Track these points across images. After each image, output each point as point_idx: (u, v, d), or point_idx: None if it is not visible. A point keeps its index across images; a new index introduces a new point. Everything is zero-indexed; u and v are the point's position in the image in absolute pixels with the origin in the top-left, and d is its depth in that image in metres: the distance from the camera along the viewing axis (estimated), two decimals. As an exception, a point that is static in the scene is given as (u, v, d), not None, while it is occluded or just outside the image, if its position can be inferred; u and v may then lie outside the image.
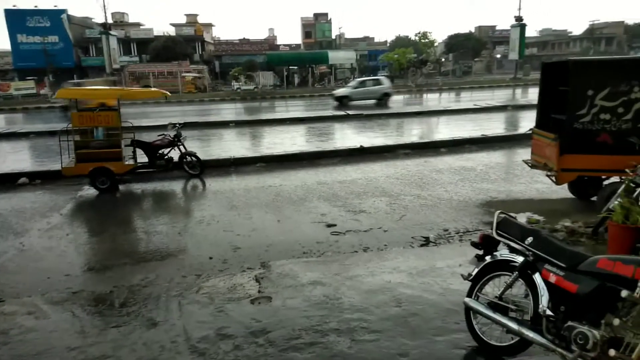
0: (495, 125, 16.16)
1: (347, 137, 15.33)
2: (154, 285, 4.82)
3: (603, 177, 6.86)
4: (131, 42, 58.16)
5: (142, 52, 56.45)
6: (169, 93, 11.05)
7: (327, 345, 3.54)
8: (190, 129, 15.88)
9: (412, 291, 4.42)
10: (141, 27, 63.46)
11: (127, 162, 9.42)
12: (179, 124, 10.69)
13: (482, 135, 13.68)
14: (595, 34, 74.87)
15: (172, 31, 60.10)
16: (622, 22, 76.54)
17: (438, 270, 4.88)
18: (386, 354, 3.42)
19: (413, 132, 16.44)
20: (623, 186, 5.57)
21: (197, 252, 5.84)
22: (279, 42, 68.49)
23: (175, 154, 10.17)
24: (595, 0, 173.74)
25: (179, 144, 10.18)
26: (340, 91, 27.98)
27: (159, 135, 10.30)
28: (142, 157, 9.95)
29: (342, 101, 26.01)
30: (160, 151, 9.99)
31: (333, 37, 66.85)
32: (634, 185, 5.37)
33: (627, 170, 5.53)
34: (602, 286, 2.61)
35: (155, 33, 58.30)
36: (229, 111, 25.21)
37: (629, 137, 5.98)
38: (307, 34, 66.92)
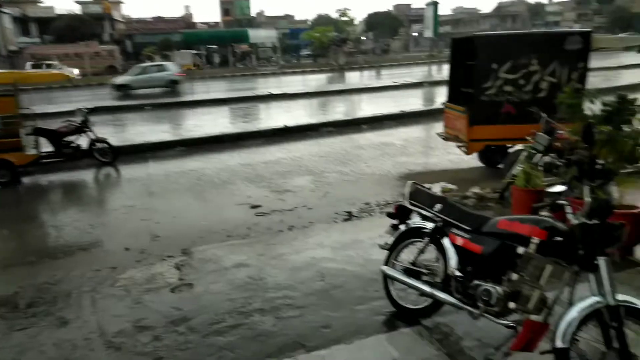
0: (413, 101, 16.75)
1: (271, 117, 15.18)
2: (64, 282, 4.49)
3: (508, 145, 7.37)
4: (30, 22, 52.78)
5: (44, 33, 51.48)
6: (74, 75, 10.20)
7: (251, 326, 3.52)
8: (102, 114, 14.89)
9: (335, 265, 4.50)
10: (39, 4, 57.71)
11: (29, 153, 8.62)
12: (87, 108, 9.92)
13: (401, 111, 14.14)
14: (502, 12, 79.83)
15: (77, 9, 55.35)
16: (524, 0, 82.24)
17: (360, 242, 5.01)
18: (310, 327, 3.47)
19: (336, 111, 16.61)
20: (525, 153, 6.03)
21: (111, 244, 5.52)
22: (196, 20, 65.60)
23: (84, 141, 9.47)
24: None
25: (87, 130, 9.47)
26: (121, 79, 24.79)
27: (63, 122, 9.51)
28: (47, 147, 9.13)
29: (122, 90, 23.54)
30: (66, 139, 9.24)
31: (253, 15, 65.28)
32: (534, 152, 5.83)
33: (528, 138, 5.98)
34: (503, 245, 2.80)
35: (58, 11, 53.31)
36: (143, 93, 23.84)
37: (529, 107, 6.43)
38: (225, 12, 64.64)
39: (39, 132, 9.03)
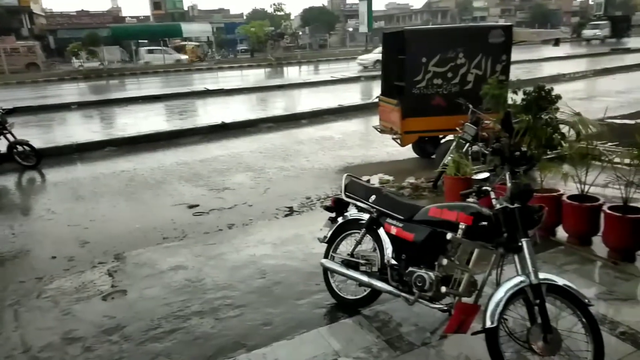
0: (351, 95, 16.99)
1: (208, 113, 14.80)
2: (-18, 298, 4.14)
3: (440, 136, 7.66)
4: None
5: (-50, 26, 46.84)
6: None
7: (189, 330, 3.41)
8: (23, 115, 13.86)
9: (276, 261, 4.47)
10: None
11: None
12: (4, 109, 9.16)
13: (339, 105, 14.29)
14: (432, 7, 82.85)
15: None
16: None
17: (301, 237, 5.01)
18: (250, 326, 3.42)
19: (275, 106, 16.48)
20: (454, 143, 6.30)
21: (37, 253, 5.14)
22: (124, 14, 62.53)
23: (2, 145, 8.73)
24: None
25: (5, 132, 8.74)
26: None
27: (-23, 124, 8.73)
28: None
29: None
30: (-20, 142, 8.51)
31: (185, 8, 63.13)
32: (463, 142, 6.11)
33: (457, 128, 6.25)
34: (434, 232, 2.91)
35: (-34, 4, 48.73)
36: (70, 92, 22.39)
37: (457, 99, 6.71)
38: (156, 5, 62.01)
39: (-53, 135, 8.24)
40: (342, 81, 22.13)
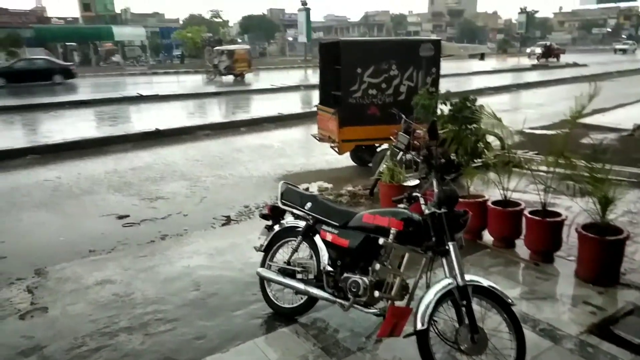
0: (290, 104, 17.04)
1: (141, 120, 14.22)
2: None
3: (376, 144, 7.87)
4: None
5: None
6: None
7: (116, 347, 3.22)
8: None
9: (211, 272, 4.36)
10: None
11: None
12: None
13: (279, 113, 14.28)
14: (369, 21, 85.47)
15: None
16: (388, 11, 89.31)
17: (238, 246, 4.92)
18: (183, 340, 3.29)
19: (213, 113, 16.18)
20: (389, 151, 6.50)
21: (-58, 271, 4.66)
22: (50, 14, 58.79)
23: None
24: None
25: None
26: None
27: None
28: None
29: None
30: None
31: (117, 11, 60.50)
32: (397, 150, 6.31)
33: (391, 137, 6.45)
34: (367, 238, 2.96)
35: None
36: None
37: (391, 109, 6.93)
38: (85, 7, 58.82)
39: None
40: (282, 89, 22.16)
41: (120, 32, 42.81)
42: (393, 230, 2.76)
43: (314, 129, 9.09)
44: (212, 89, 22.89)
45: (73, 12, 63.43)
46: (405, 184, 3.08)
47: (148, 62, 41.52)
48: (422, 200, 2.80)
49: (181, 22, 60.98)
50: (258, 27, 61.55)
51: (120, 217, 6.05)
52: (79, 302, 3.86)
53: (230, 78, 27.42)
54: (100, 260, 4.74)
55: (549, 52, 41.74)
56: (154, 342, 3.27)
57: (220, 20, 47.65)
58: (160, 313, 3.65)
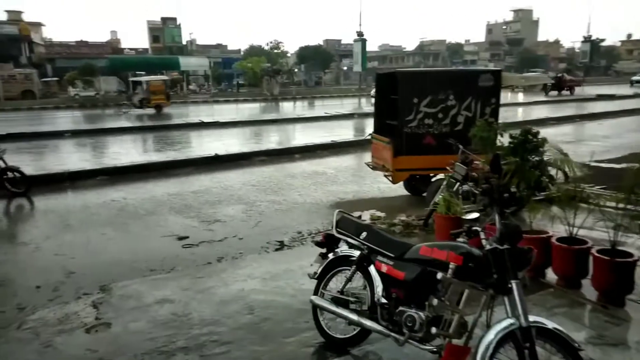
0: (344, 132, 17.23)
1: (202, 145, 14.87)
2: (-40, 328, 4.02)
3: (431, 174, 7.75)
4: None
5: (-51, 52, 47.26)
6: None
7: (173, 366, 3.33)
8: (16, 141, 13.84)
9: (265, 296, 4.42)
10: (-55, 22, 53.17)
11: None
12: (-3, 135, 9.17)
13: (332, 141, 14.46)
14: (424, 50, 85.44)
15: (-11, 29, 51.57)
16: (444, 40, 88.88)
17: (291, 272, 4.96)
18: (236, 364, 3.34)
19: (269, 140, 16.65)
20: (445, 182, 6.38)
21: (20, 282, 5.03)
22: (123, 45, 63.49)
23: (-8, 171, 8.68)
24: (424, 20, 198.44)
25: (-4, 158, 8.71)
26: None
27: (-31, 149, 8.70)
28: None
29: None
30: (-29, 168, 8.45)
31: (184, 42, 64.37)
32: (453, 181, 6.18)
33: (447, 168, 6.34)
34: (424, 271, 2.90)
35: (-34, 30, 49.42)
36: (64, 120, 22.49)
37: (447, 139, 6.85)
38: (155, 38, 63.25)
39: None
40: (336, 117, 22.48)
41: (186, 62, 45.40)
42: (452, 265, 2.69)
43: (367, 157, 9.13)
44: (269, 116, 23.62)
45: (144, 43, 68.10)
46: (464, 216, 3.00)
47: (210, 91, 43.55)
48: (482, 235, 2.72)
49: (242, 52, 63.79)
50: (314, 57, 63.17)
51: (180, 238, 6.30)
52: (139, 319, 4.03)
53: (290, 105, 28.13)
54: (160, 279, 4.94)
55: (561, 85, 36.54)
56: (208, 364, 3.35)
57: (279, 51, 49.37)
58: (216, 335, 3.73)
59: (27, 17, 57.51)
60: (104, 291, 4.64)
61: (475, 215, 2.88)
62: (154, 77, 29.56)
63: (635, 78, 48.57)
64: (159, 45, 62.16)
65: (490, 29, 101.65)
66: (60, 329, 3.93)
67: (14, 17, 56.51)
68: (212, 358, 3.42)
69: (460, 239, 2.85)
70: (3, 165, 8.78)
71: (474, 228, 2.76)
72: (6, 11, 58.49)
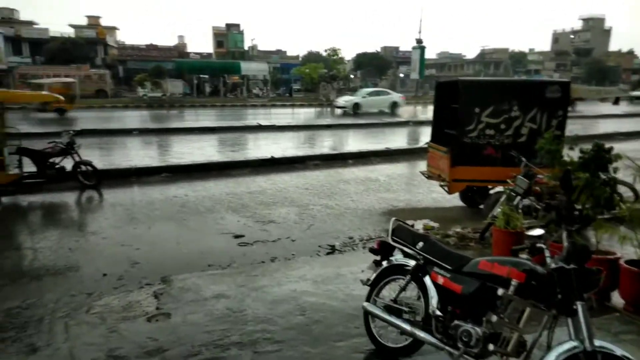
0: (398, 139, 17.08)
1: (258, 147, 15.26)
2: (37, 307, 4.36)
3: (489, 186, 7.53)
4: (22, 42, 52.94)
5: (36, 54, 51.59)
6: (61, 97, 10.19)
7: (227, 360, 3.44)
8: (89, 137, 14.81)
9: (316, 299, 4.46)
10: (35, 26, 58.07)
11: (11, 172, 8.48)
12: (73, 130, 9.88)
13: (386, 148, 14.38)
14: (485, 58, 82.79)
15: (71, 32, 55.78)
16: (507, 49, 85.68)
17: (342, 277, 4.99)
18: (288, 363, 3.41)
19: (323, 144, 16.80)
20: (505, 195, 6.17)
21: (89, 269, 5.39)
22: (189, 49, 66.46)
23: (68, 163, 9.37)
24: (485, 27, 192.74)
25: (72, 152, 9.39)
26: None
27: (49, 143, 9.43)
28: (30, 167, 9.00)
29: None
30: (50, 160, 9.14)
31: (246, 48, 66.40)
32: (514, 194, 5.96)
33: (508, 180, 6.13)
34: (483, 286, 2.83)
35: (52, 34, 53.69)
36: (133, 118, 23.85)
37: (510, 151, 6.63)
38: (219, 44, 65.72)
39: (23, 151, 8.91)
40: (390, 125, 22.31)
41: (247, 67, 46.83)
42: (514, 282, 2.61)
43: (421, 165, 9.00)
44: (324, 121, 23.84)
45: (208, 48, 70.91)
46: (527, 232, 2.90)
47: (267, 95, 44.62)
48: (547, 253, 2.62)
49: (300, 58, 64.82)
50: (371, 64, 63.05)
51: (236, 237, 6.51)
52: (197, 312, 4.20)
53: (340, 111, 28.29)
54: (217, 275, 5.13)
55: None
56: (261, 361, 3.43)
57: (336, 57, 49.76)
58: (268, 333, 3.82)
59: (104, 22, 61.75)
60: (164, 282, 4.87)
61: (540, 231, 2.78)
62: (55, 79, 27.84)
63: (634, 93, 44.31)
64: (223, 50, 64.49)
65: (556, 38, 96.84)
66: (124, 315, 4.17)
67: (93, 21, 60.87)
68: (264, 355, 3.51)
69: (523, 256, 2.76)
70: (77, 159, 9.45)
71: (538, 245, 2.67)
72: (86, 16, 63.14)
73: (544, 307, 2.60)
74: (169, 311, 4.23)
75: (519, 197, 5.86)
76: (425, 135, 17.07)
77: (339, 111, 29.46)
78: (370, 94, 31.58)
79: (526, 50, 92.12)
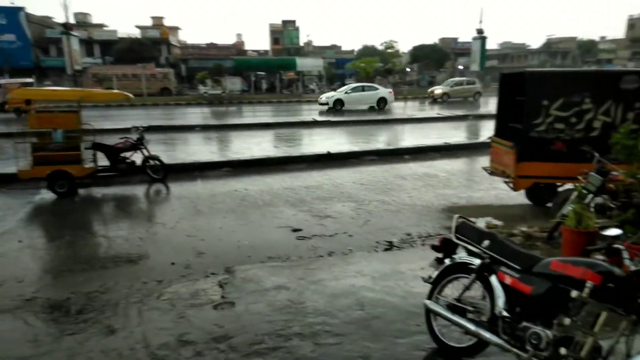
0: (457, 134, 16.61)
1: (314, 143, 15.39)
2: (113, 292, 4.68)
3: (557, 183, 7.16)
4: (94, 44, 56.64)
5: (106, 54, 55.10)
6: (131, 95, 10.80)
7: (290, 350, 3.53)
8: (155, 133, 15.56)
9: (374, 294, 4.47)
10: (105, 28, 61.92)
11: (87, 166, 9.13)
12: (142, 127, 10.46)
13: (445, 143, 14.03)
14: (551, 48, 78.38)
15: (137, 33, 58.92)
16: (575, 37, 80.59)
17: (400, 273, 4.96)
18: (348, 357, 3.44)
19: (379, 139, 16.67)
20: (576, 193, 5.84)
21: (158, 258, 5.71)
22: (247, 47, 68.10)
23: (137, 158, 9.94)
24: (551, 16, 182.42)
25: (141, 147, 9.95)
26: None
27: (121, 138, 10.04)
28: (103, 161, 9.66)
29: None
30: (122, 154, 9.74)
31: (301, 44, 67.04)
32: (586, 192, 5.63)
33: (579, 177, 5.80)
34: (555, 287, 2.72)
35: (120, 35, 57.04)
36: (195, 115, 24.84)
37: (581, 146, 6.26)
38: (275, 41, 66.84)
39: (97, 147, 9.57)
40: (448, 119, 21.73)
41: (302, 63, 47.35)
42: (589, 284, 2.49)
43: (482, 161, 8.71)
44: (379, 116, 23.62)
45: (265, 45, 72.37)
46: (602, 232, 2.74)
47: (323, 91, 44.88)
48: (625, 254, 2.48)
49: (355, 53, 64.58)
50: (428, 56, 61.60)
51: (295, 230, 6.63)
52: (259, 302, 4.34)
53: (401, 105, 27.80)
54: (277, 267, 5.26)
55: None
56: (322, 353, 3.50)
57: (393, 50, 49.05)
58: (328, 326, 3.88)
59: (167, 22, 64.63)
60: (228, 272, 5.06)
61: (617, 231, 2.63)
62: (11, 79, 27.60)
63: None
64: (279, 46, 65.53)
65: (632, 24, 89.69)
66: (192, 302, 4.39)
67: (157, 22, 63.87)
68: (325, 347, 3.57)
69: (598, 256, 2.62)
70: (146, 153, 10.00)
71: (615, 246, 2.52)
72: (151, 17, 66.35)
73: (622, 311, 2.46)
74: (233, 300, 4.40)
75: (591, 195, 5.54)
76: (485, 129, 16.51)
77: (324, 108, 27.62)
78: (355, 89, 28.74)
79: (597, 38, 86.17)
